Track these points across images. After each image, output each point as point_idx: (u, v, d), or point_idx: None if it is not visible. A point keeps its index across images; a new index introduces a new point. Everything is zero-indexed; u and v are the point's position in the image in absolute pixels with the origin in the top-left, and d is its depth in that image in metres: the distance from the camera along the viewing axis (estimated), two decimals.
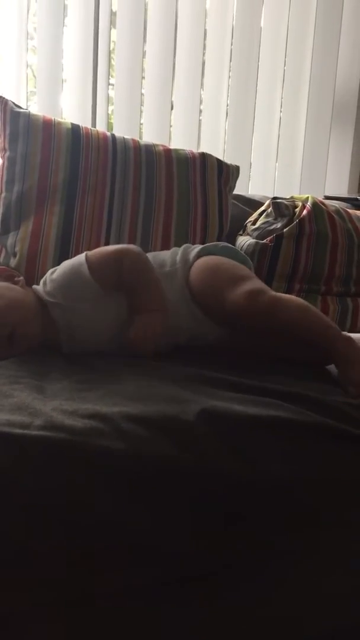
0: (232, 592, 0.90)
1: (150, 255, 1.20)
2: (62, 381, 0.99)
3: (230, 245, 1.25)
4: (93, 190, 1.35)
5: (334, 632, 0.96)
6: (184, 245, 1.20)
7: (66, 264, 1.14)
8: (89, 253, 1.13)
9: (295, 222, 1.52)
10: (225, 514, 0.87)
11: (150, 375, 1.02)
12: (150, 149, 1.44)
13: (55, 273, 1.13)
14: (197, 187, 1.45)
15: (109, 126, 1.93)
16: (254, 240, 1.54)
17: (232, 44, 2.06)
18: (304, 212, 1.54)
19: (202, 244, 1.43)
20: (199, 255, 1.16)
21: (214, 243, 1.21)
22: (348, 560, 0.96)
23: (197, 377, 1.02)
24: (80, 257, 1.12)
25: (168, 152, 1.45)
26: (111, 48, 1.91)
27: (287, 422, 0.92)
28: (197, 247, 1.19)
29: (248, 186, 2.15)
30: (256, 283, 1.10)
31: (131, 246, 1.14)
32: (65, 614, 0.81)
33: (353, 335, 1.11)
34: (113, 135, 1.43)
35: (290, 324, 1.05)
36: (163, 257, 1.19)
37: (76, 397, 0.94)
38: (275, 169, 2.22)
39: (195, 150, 1.54)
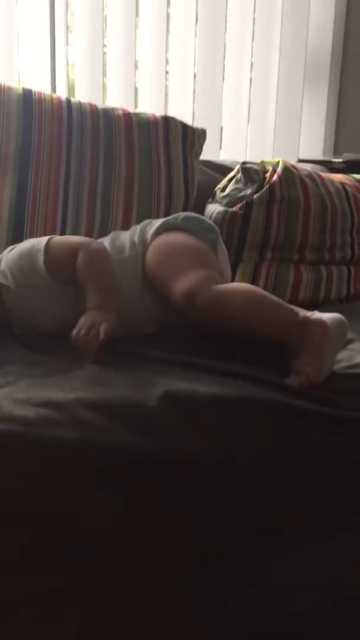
0: (204, 580, 0.86)
1: (110, 239, 1.15)
2: (14, 365, 0.93)
3: (192, 214, 1.19)
4: (48, 160, 1.27)
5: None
6: (144, 222, 1.15)
7: (25, 245, 1.08)
8: (53, 239, 1.07)
9: (265, 188, 1.46)
10: (194, 501, 0.83)
11: (109, 358, 0.96)
12: (109, 114, 1.35)
13: (12, 252, 1.07)
14: (160, 152, 1.38)
15: (70, 90, 1.84)
16: (223, 208, 1.48)
17: (197, 1, 1.96)
18: (275, 177, 1.47)
19: (167, 213, 1.38)
20: (157, 232, 1.11)
21: (175, 215, 1.15)
22: (327, 540, 0.94)
23: (158, 359, 0.97)
24: (41, 242, 1.06)
25: (128, 116, 1.37)
26: (70, 8, 1.80)
27: (254, 402, 0.88)
28: (156, 224, 1.13)
29: (219, 151, 2.08)
30: (198, 275, 1.01)
31: (93, 242, 1.09)
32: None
33: (325, 316, 1.04)
34: (68, 100, 1.34)
35: (235, 319, 0.99)
36: (123, 240, 1.14)
37: (30, 383, 0.88)
38: (247, 132, 2.15)
39: (166, 115, 1.45)
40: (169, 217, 1.15)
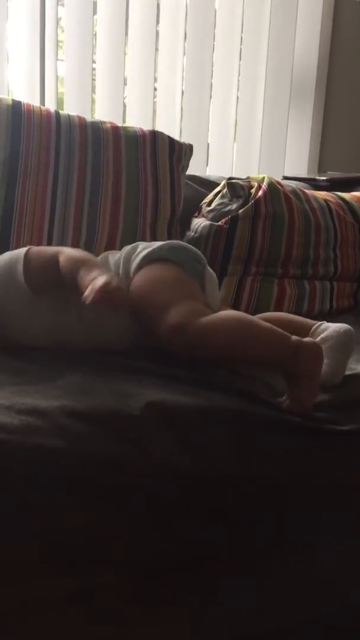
0: (193, 588, 0.86)
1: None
2: None
3: (177, 244, 1.14)
4: (35, 171, 1.28)
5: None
6: (127, 250, 1.11)
7: (4, 257, 1.08)
8: (32, 249, 1.07)
9: (250, 203, 1.47)
10: (174, 511, 0.83)
11: (95, 367, 0.96)
12: (97, 127, 1.37)
13: None
14: (148, 166, 1.39)
15: (59, 105, 1.85)
16: (209, 222, 1.49)
17: (186, 19, 1.99)
18: (260, 192, 1.49)
19: (153, 226, 1.39)
20: (140, 266, 1.07)
21: (159, 245, 1.10)
22: (315, 550, 0.94)
23: (143, 371, 0.97)
24: (20, 253, 1.05)
25: (116, 129, 1.39)
26: (61, 24, 1.82)
27: (236, 414, 0.89)
28: (140, 253, 1.09)
29: (205, 168, 2.10)
30: (185, 308, 0.99)
31: (71, 248, 1.08)
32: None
33: (332, 326, 1.05)
34: (57, 113, 1.36)
35: (225, 349, 0.96)
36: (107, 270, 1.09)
37: (14, 390, 0.88)
38: (233, 149, 2.17)
39: (153, 129, 1.46)
40: (154, 247, 1.09)
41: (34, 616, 0.79)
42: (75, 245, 1.30)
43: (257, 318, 1.01)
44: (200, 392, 0.92)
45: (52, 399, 0.86)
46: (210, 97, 2.08)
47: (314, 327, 1.09)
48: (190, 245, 1.14)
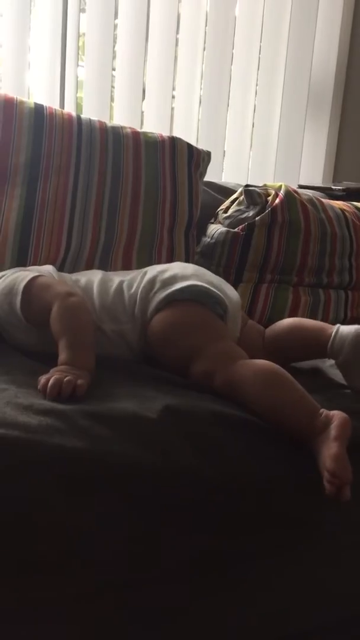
0: (203, 591, 0.86)
1: (98, 288, 1.07)
2: (15, 373, 0.94)
3: (197, 285, 1.06)
4: (56, 173, 1.29)
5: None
6: (143, 285, 1.06)
7: (11, 278, 1.06)
8: (35, 281, 1.03)
9: (267, 211, 1.48)
10: (194, 513, 0.83)
11: (110, 371, 0.97)
12: (117, 131, 1.38)
13: (0, 279, 1.08)
14: (167, 171, 1.40)
15: (79, 110, 1.87)
16: (225, 228, 1.50)
17: (206, 28, 2.00)
18: (277, 200, 1.50)
19: (171, 230, 1.39)
20: (158, 308, 1.03)
21: (179, 287, 1.04)
22: (329, 559, 0.94)
23: (158, 376, 0.98)
24: (21, 283, 1.03)
25: (136, 134, 1.40)
26: (82, 31, 1.84)
27: (255, 423, 0.89)
28: (159, 296, 1.04)
29: (221, 175, 2.11)
30: (215, 352, 0.96)
31: (71, 297, 1.00)
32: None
33: (347, 328, 1.05)
34: (79, 116, 1.37)
35: (252, 403, 0.91)
36: (115, 303, 1.06)
37: (32, 392, 0.88)
38: (249, 157, 2.17)
39: (173, 135, 1.47)
40: (173, 289, 1.04)
41: (40, 616, 0.79)
42: (93, 247, 1.31)
43: (292, 378, 0.92)
44: (218, 399, 0.93)
45: (70, 400, 0.86)
46: (228, 105, 2.09)
47: (330, 344, 1.09)
48: (214, 290, 1.06)
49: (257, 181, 1.83)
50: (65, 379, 0.87)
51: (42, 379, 0.88)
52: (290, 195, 1.52)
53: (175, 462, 0.83)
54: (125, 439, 0.82)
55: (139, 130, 1.43)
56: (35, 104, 1.34)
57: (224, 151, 2.12)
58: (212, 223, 1.57)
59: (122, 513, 0.80)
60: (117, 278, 1.11)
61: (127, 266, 1.30)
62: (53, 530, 0.76)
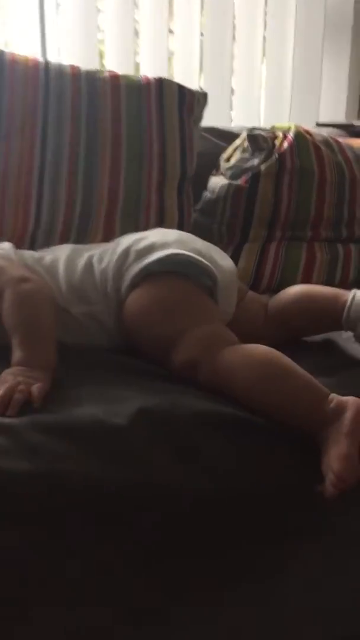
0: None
1: (65, 263, 0.93)
2: None
3: (178, 254, 0.90)
4: (19, 132, 1.12)
5: None
6: (116, 259, 0.91)
7: None
8: None
9: (274, 157, 1.32)
10: (174, 536, 0.71)
11: (77, 366, 0.83)
12: (92, 76, 1.20)
13: None
14: (153, 119, 1.22)
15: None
16: (227, 181, 1.34)
17: None
18: (285, 144, 1.32)
19: (160, 188, 1.23)
20: (133, 284, 0.89)
21: (157, 258, 0.89)
22: (328, 573, 0.82)
23: (133, 368, 0.85)
24: None
25: (115, 78, 1.22)
26: None
27: (247, 422, 0.76)
28: (133, 269, 0.89)
29: (230, 117, 1.92)
30: (200, 337, 0.82)
31: (27, 281, 0.86)
32: None
33: None
34: (47, 62, 1.19)
35: (244, 397, 0.78)
36: (84, 282, 0.92)
37: None
38: (261, 95, 1.97)
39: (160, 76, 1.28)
40: (149, 260, 0.89)
41: None
42: (68, 219, 1.16)
43: (292, 363, 0.78)
44: (200, 393, 0.79)
45: (21, 412, 0.72)
46: (233, 37, 1.88)
47: (345, 313, 0.95)
48: (200, 259, 0.91)
49: (271, 122, 1.64)
50: (19, 388, 0.73)
51: None
52: (300, 137, 1.35)
53: (149, 476, 0.71)
54: (85, 455, 0.68)
55: (119, 73, 1.24)
56: None
57: (232, 89, 1.92)
58: (214, 175, 1.40)
59: (89, 542, 0.67)
60: (87, 253, 0.95)
61: (109, 237, 1.11)
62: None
